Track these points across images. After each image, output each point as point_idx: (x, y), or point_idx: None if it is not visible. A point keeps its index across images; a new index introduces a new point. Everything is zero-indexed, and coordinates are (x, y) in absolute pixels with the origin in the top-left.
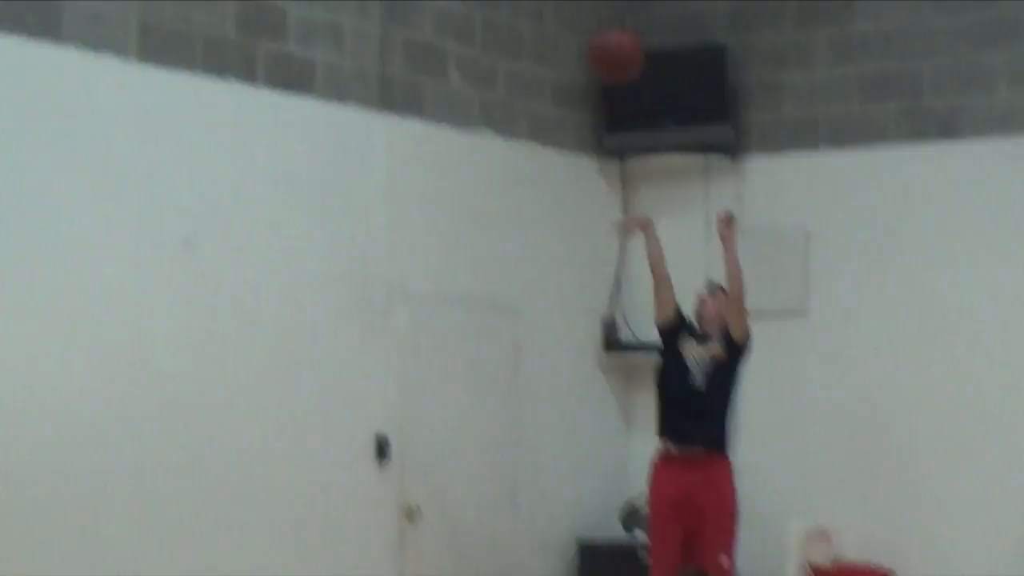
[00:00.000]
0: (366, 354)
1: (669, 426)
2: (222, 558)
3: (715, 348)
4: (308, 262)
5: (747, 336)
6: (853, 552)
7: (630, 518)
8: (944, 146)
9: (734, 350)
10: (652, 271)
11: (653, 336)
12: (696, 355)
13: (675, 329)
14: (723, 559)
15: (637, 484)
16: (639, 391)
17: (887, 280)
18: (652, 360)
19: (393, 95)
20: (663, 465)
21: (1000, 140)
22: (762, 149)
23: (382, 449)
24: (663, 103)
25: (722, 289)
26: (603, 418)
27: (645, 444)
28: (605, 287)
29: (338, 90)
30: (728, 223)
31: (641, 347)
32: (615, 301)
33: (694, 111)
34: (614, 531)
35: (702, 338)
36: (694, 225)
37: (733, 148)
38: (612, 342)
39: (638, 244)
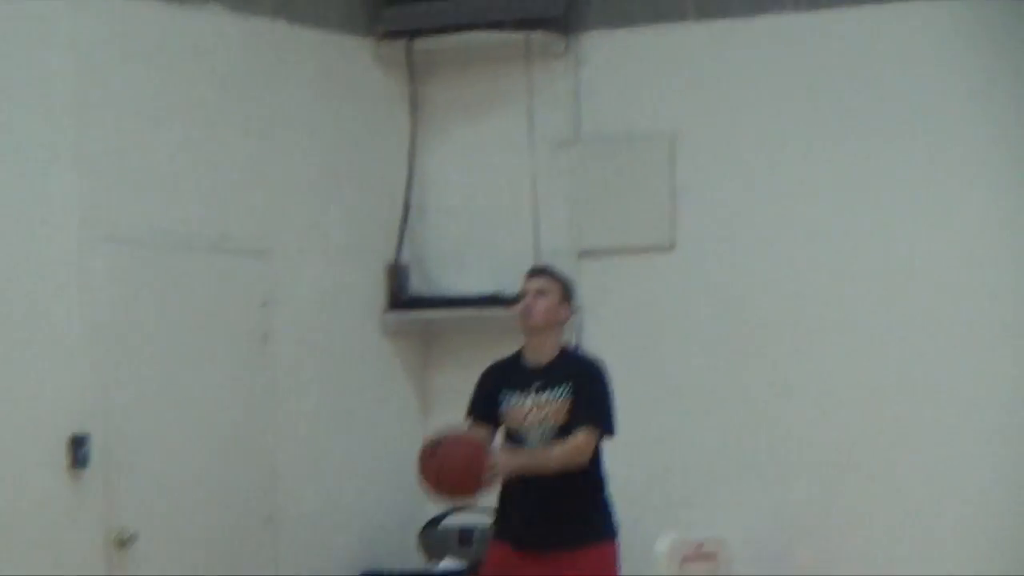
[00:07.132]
0: (51, 321)
1: (503, 525)
2: None
3: (555, 403)
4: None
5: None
6: (745, 569)
7: (433, 542)
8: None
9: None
10: None
11: (458, 287)
12: (529, 416)
13: (490, 390)
14: None
15: None
16: (440, 363)
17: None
18: (456, 318)
19: None
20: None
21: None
22: (605, 23)
23: (78, 454)
24: None
25: (553, 275)
26: (391, 401)
27: None
28: (389, 221)
29: None
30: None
31: (441, 302)
32: (403, 240)
33: None
34: (412, 558)
35: (533, 381)
36: (513, 130)
37: (565, 22)
38: (400, 296)
39: (433, 163)
